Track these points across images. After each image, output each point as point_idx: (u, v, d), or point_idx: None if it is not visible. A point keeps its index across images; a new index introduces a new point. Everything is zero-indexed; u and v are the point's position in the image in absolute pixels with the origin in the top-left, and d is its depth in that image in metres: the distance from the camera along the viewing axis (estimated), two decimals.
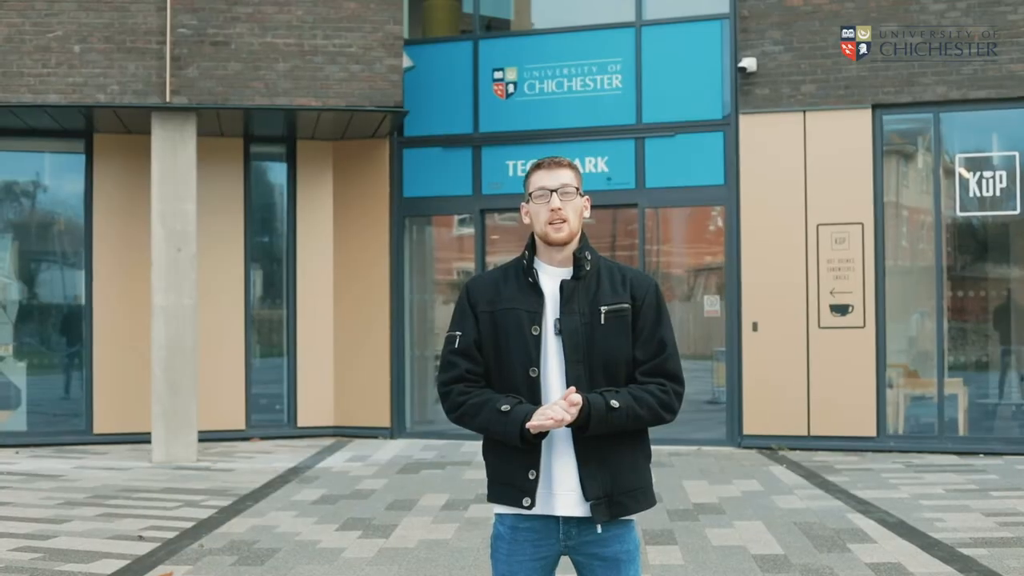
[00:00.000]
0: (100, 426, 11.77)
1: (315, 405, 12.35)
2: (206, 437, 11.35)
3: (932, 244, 10.98)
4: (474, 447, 11.61)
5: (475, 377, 3.02)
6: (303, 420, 12.34)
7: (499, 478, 3.03)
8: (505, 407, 2.91)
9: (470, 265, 12.48)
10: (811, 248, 10.97)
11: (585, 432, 2.88)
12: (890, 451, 10.71)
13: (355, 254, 12.35)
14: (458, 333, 3.05)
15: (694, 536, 7.06)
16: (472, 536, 7.13)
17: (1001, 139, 11.08)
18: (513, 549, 3.01)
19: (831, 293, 10.90)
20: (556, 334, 2.96)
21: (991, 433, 11.02)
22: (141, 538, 7.11)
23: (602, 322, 2.95)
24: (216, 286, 11.93)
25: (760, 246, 11.11)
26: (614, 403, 2.88)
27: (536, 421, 2.82)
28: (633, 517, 3.04)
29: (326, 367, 12.37)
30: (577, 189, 3.04)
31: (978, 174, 10.87)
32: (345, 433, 12.31)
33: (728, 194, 11.36)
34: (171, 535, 7.21)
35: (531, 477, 2.94)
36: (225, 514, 7.95)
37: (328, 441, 12.02)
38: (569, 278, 3.00)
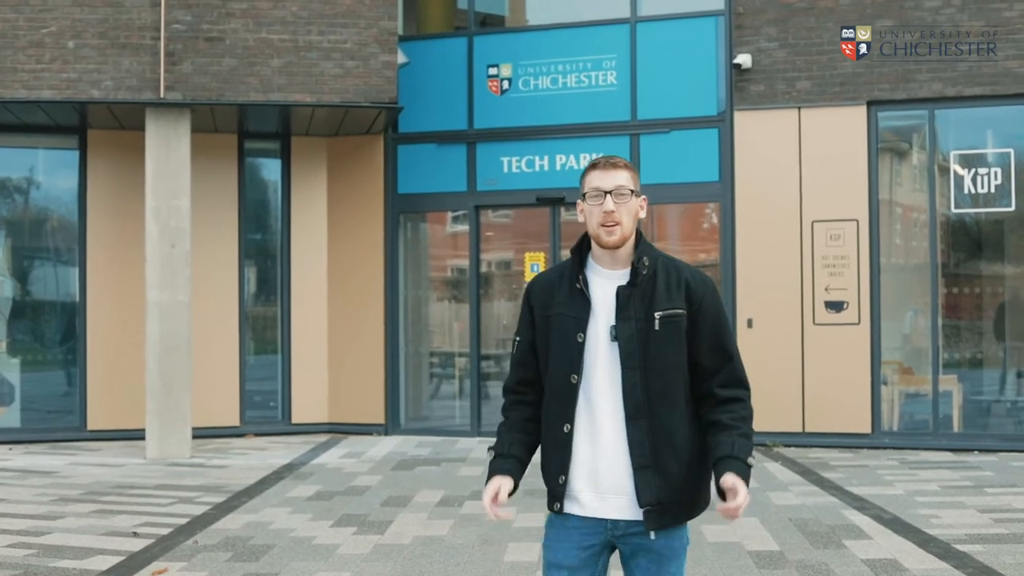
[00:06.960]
0: (94, 422, 11.74)
1: (309, 402, 12.33)
2: (200, 433, 11.32)
3: (927, 241, 10.99)
4: (469, 444, 11.61)
5: (525, 388, 3.12)
6: (297, 417, 12.31)
7: (543, 478, 3.08)
8: (491, 451, 3.10)
9: (464, 262, 12.45)
10: (806, 245, 10.97)
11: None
12: (885, 448, 10.73)
13: (349, 250, 12.33)
14: (518, 339, 3.14)
15: (690, 532, 7.03)
16: (467, 533, 7.11)
17: (996, 136, 11.09)
18: (560, 536, 3.04)
19: (826, 290, 10.90)
20: (612, 340, 2.96)
21: (986, 430, 11.03)
22: (135, 534, 7.10)
23: (656, 328, 2.94)
24: (210, 282, 11.90)
25: (755, 243, 11.11)
26: (751, 461, 2.95)
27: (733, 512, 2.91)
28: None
29: (320, 363, 12.35)
30: (632, 190, 3.01)
31: (973, 171, 10.88)
32: (339, 430, 12.29)
33: (723, 191, 11.36)
34: (165, 531, 7.19)
35: (560, 482, 2.99)
36: (219, 510, 7.93)
37: (322, 438, 12.01)
38: (625, 284, 2.99)
